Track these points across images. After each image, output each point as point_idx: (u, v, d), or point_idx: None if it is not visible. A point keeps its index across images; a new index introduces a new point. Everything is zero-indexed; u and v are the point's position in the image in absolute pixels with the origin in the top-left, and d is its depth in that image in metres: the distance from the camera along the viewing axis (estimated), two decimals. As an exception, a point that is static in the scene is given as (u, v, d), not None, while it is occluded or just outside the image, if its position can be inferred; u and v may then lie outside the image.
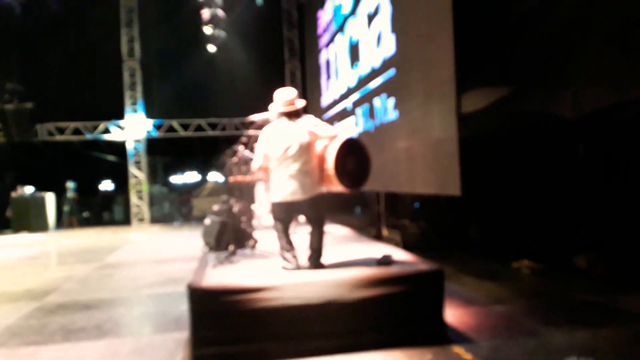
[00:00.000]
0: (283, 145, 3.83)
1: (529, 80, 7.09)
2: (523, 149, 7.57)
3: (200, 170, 27.92)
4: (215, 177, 26.94)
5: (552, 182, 7.08)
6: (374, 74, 7.64)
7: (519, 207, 7.60)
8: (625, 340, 3.75)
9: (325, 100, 11.32)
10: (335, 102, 10.20)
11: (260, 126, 5.04)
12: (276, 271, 3.91)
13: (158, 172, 21.76)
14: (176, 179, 27.21)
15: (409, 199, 8.96)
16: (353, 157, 3.94)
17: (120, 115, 15.50)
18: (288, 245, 3.97)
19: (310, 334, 3.51)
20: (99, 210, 17.90)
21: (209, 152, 23.71)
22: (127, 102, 15.49)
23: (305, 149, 3.84)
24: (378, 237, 8.40)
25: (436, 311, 3.78)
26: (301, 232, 4.20)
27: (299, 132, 3.85)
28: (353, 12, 8.64)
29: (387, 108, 7.17)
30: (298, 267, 3.91)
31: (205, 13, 13.44)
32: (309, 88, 13.79)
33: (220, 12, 13.58)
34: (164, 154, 21.20)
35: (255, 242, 5.13)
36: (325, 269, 3.91)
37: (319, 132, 3.93)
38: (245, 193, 6.43)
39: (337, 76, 10.09)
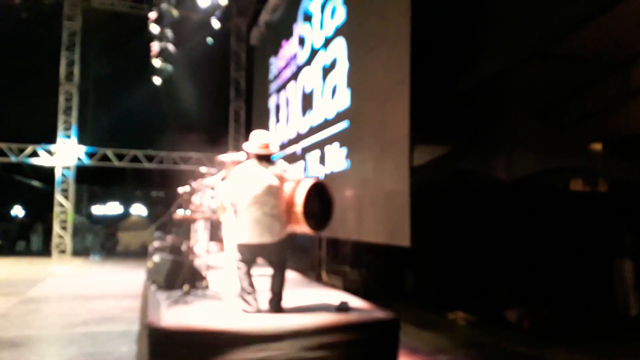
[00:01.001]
0: (253, 187, 3.91)
1: (469, 142, 7.70)
2: (460, 205, 8.07)
3: (124, 201, 26.80)
4: (138, 210, 26.04)
5: (485, 238, 7.58)
6: (327, 124, 7.92)
7: (453, 260, 8.03)
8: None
9: (271, 143, 11.45)
10: (283, 146, 10.38)
11: (222, 167, 5.11)
12: (236, 313, 3.89)
13: (83, 201, 20.63)
14: (98, 209, 25.88)
15: (349, 245, 9.16)
16: (319, 199, 4.10)
17: (51, 139, 14.76)
18: (250, 287, 3.98)
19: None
20: (13, 239, 16.56)
21: (138, 184, 23.02)
22: (60, 126, 14.81)
23: (274, 193, 3.94)
24: (318, 282, 8.46)
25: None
26: (255, 274, 4.23)
27: (268, 176, 3.96)
28: (309, 62, 8.99)
29: (338, 157, 7.44)
30: (258, 310, 3.92)
31: (155, 46, 13.35)
32: (253, 129, 13.90)
33: (170, 47, 13.55)
34: (92, 183, 20.22)
35: (208, 282, 5.05)
36: (286, 313, 3.95)
37: (288, 175, 4.07)
38: (183, 230, 6.35)
39: (288, 121, 10.32)
